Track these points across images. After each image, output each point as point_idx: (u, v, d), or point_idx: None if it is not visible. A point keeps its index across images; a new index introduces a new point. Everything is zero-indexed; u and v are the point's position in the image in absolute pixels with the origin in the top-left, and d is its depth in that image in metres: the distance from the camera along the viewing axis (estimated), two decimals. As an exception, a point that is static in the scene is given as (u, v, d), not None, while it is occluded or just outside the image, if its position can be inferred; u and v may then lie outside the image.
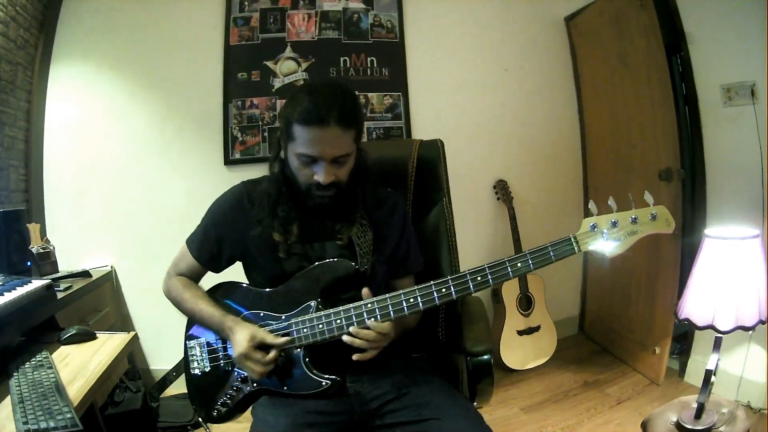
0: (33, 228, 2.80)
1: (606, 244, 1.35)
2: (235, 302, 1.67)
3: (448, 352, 1.92)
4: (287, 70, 3.35)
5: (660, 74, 2.94)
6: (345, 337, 1.45)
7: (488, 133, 3.66)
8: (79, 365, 1.57)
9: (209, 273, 1.78)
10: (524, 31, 3.73)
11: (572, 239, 1.37)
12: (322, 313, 1.51)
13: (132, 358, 2.99)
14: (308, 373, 1.53)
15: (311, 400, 1.54)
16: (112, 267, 3.20)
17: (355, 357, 1.46)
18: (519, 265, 1.39)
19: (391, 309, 1.46)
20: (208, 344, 1.67)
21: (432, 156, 2.06)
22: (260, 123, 3.33)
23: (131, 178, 3.27)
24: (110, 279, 3.13)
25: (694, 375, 3.02)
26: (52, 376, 1.42)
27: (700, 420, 2.07)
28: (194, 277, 1.77)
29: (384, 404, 1.56)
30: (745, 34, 2.65)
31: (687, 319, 2.06)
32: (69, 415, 1.18)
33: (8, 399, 1.30)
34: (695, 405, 2.11)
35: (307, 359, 1.54)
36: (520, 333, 3.39)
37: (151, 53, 3.26)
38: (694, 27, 2.95)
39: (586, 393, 3.07)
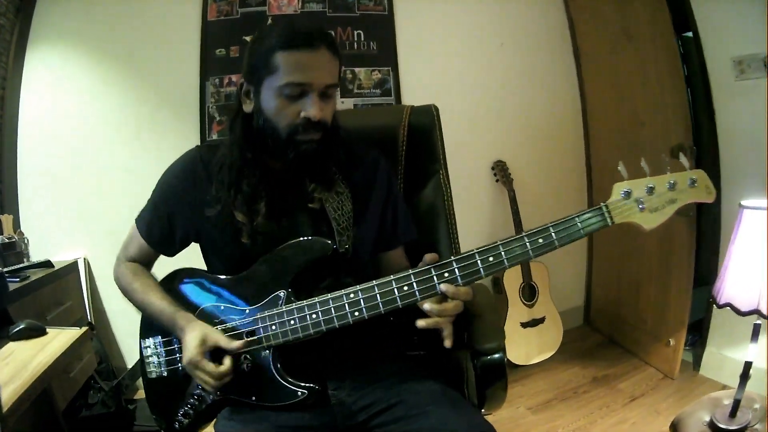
0: (5, 219, 2.63)
1: (642, 216, 1.08)
2: (193, 294, 1.35)
3: (449, 350, 1.57)
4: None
5: (668, 47, 2.70)
6: (421, 322, 1.12)
7: (484, 111, 3.37)
8: (20, 364, 1.34)
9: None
10: (519, 4, 3.44)
11: (603, 209, 1.08)
12: (294, 305, 1.20)
13: (105, 356, 2.67)
14: (280, 380, 1.21)
15: (285, 413, 1.22)
16: (85, 259, 2.92)
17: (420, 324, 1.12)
18: (540, 241, 1.08)
19: (380, 300, 1.14)
20: (165, 344, 1.35)
21: (425, 123, 1.71)
22: None
23: (106, 165, 3.00)
24: (75, 270, 2.81)
25: (709, 368, 2.75)
26: None
27: (735, 419, 1.81)
28: (146, 262, 1.45)
29: (373, 416, 1.25)
30: (758, 3, 2.38)
31: (729, 304, 1.80)
32: None
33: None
34: (727, 402, 1.87)
35: (278, 364, 1.22)
36: (524, 325, 3.07)
37: (126, 33, 2.99)
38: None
39: (596, 390, 2.77)
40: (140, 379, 2.62)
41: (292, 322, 1.19)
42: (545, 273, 3.18)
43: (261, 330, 1.22)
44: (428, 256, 1.13)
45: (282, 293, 1.23)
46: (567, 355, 3.18)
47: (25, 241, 2.66)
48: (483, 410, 1.35)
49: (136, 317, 2.50)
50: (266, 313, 1.22)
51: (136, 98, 3.02)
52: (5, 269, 2.24)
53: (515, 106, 3.44)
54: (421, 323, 1.11)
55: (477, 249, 1.10)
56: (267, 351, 1.22)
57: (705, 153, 2.84)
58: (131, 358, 3.03)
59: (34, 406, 1.51)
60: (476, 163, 3.33)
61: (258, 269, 1.27)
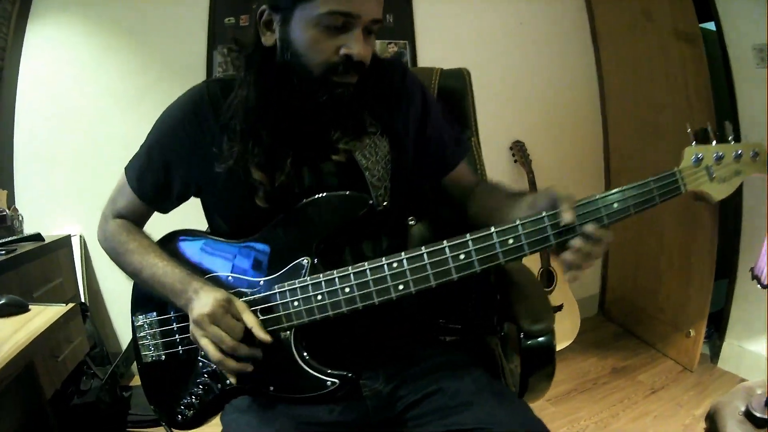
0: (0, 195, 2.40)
1: (712, 186, 0.96)
2: (193, 261, 1.09)
3: (480, 333, 1.33)
4: None
5: (690, 28, 2.54)
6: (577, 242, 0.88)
7: (503, 90, 3.19)
8: None
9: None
10: None
11: (677, 174, 0.92)
12: (321, 276, 0.95)
13: (100, 340, 2.44)
14: (305, 367, 0.97)
15: (308, 406, 0.99)
16: (81, 237, 2.70)
17: (568, 276, 0.91)
18: (615, 205, 0.89)
19: (430, 270, 0.90)
20: (160, 322, 1.10)
21: (457, 87, 1.52)
22: None
23: (105, 137, 2.78)
24: (67, 245, 2.57)
25: (728, 360, 2.59)
26: None
27: None
28: (137, 219, 1.18)
29: (409, 407, 1.02)
30: None
31: None
32: None
33: None
34: (761, 391, 1.77)
35: (303, 350, 0.98)
36: (542, 313, 2.85)
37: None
38: None
39: (615, 381, 2.60)
40: (128, 369, 2.44)
41: (319, 297, 0.95)
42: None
43: (280, 307, 0.97)
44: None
45: (305, 261, 0.99)
46: (584, 344, 3.00)
47: (20, 218, 2.46)
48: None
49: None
50: (286, 286, 0.97)
51: (138, 67, 2.82)
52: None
53: (533, 87, 3.28)
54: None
55: (546, 212, 0.89)
56: (288, 332, 0.98)
57: (725, 139, 2.66)
58: (127, 343, 2.78)
59: (17, 392, 1.34)
60: (495, 142, 3.13)
61: (275, 231, 1.03)
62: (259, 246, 1.03)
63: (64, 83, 2.78)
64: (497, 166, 3.14)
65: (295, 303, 0.96)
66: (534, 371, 1.11)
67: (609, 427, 2.24)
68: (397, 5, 2.96)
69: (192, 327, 0.95)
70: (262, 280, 1.00)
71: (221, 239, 1.08)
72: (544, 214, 0.88)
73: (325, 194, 1.00)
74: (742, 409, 1.76)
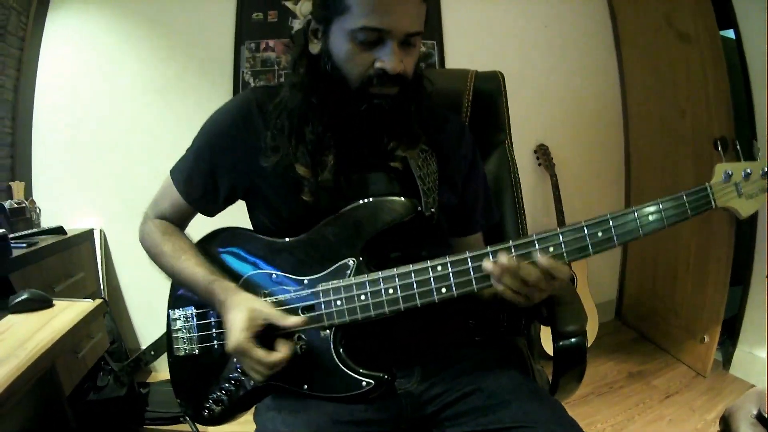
0: (17, 186, 2.42)
1: (740, 202, 0.95)
2: (237, 258, 1.08)
3: (508, 334, 1.31)
4: (308, 10, 2.77)
5: (711, 35, 2.52)
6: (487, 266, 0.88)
7: (529, 92, 3.16)
8: (18, 341, 1.09)
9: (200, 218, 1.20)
10: None
11: (708, 189, 0.91)
12: (366, 277, 0.95)
13: (118, 336, 2.41)
14: (341, 367, 0.95)
15: (342, 405, 0.97)
16: (101, 231, 2.68)
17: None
18: (651, 218, 0.89)
19: (473, 275, 0.90)
20: (199, 316, 1.08)
21: (491, 89, 1.50)
22: (276, 67, 2.81)
23: (128, 129, 2.77)
24: (89, 239, 2.55)
25: (740, 367, 2.56)
26: None
27: None
28: (180, 221, 1.18)
29: (444, 407, 1.00)
30: None
31: None
32: None
33: None
34: None
35: (340, 348, 0.96)
36: (562, 317, 2.83)
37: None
38: None
39: (632, 386, 2.58)
40: (156, 360, 2.41)
41: (363, 297, 0.94)
42: (584, 263, 2.97)
43: (322, 305, 0.97)
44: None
45: (351, 261, 0.98)
46: (601, 349, 2.99)
47: (37, 210, 2.45)
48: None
49: (154, 294, 2.22)
50: (330, 285, 0.97)
51: (163, 58, 2.80)
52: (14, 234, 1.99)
53: (557, 90, 3.27)
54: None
55: (585, 222, 0.89)
56: (327, 331, 0.96)
57: (744, 146, 2.63)
58: (146, 339, 2.77)
59: (35, 389, 1.31)
60: (520, 145, 3.07)
61: (322, 231, 1.02)
62: (306, 245, 1.03)
63: (85, 73, 2.76)
64: (522, 170, 3.10)
65: (338, 302, 0.95)
66: (566, 371, 1.10)
67: (624, 430, 2.23)
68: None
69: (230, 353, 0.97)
70: (306, 278, 1.00)
71: (267, 238, 1.07)
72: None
73: (379, 198, 1.01)
74: (754, 412, 1.77)
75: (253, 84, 2.79)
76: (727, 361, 2.63)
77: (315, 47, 1.02)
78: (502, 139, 1.51)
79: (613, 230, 0.89)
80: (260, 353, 0.91)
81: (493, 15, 3.12)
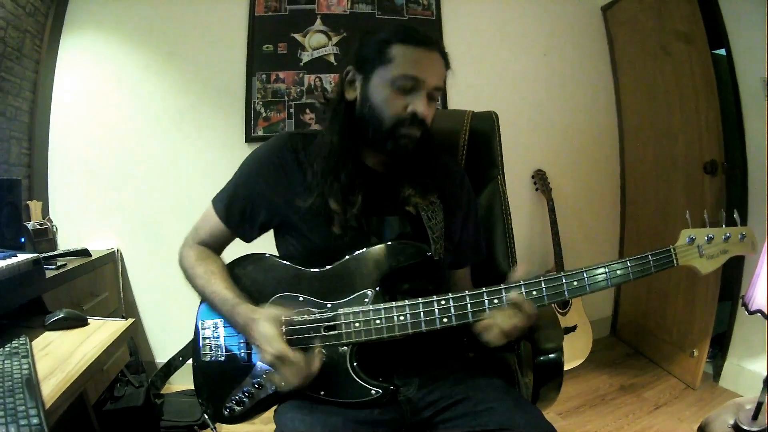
0: (34, 206, 2.54)
1: (701, 261, 1.18)
2: (266, 281, 1.28)
3: (499, 351, 1.47)
4: (317, 43, 3.01)
5: (703, 64, 2.68)
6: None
7: (527, 120, 3.32)
8: (61, 356, 1.23)
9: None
10: (562, 17, 3.41)
11: (672, 251, 1.15)
12: (382, 305, 1.16)
13: (135, 349, 2.58)
14: (355, 378, 1.16)
15: (353, 408, 1.15)
16: (118, 250, 2.84)
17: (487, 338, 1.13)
18: (619, 272, 1.14)
19: (470, 309, 1.14)
20: (226, 326, 1.28)
21: (486, 128, 1.70)
22: (286, 98, 2.98)
23: (143, 154, 2.92)
24: (113, 260, 2.74)
25: (729, 379, 2.72)
26: (25, 367, 1.11)
27: (757, 421, 1.88)
28: (217, 246, 1.38)
29: (439, 412, 1.20)
30: None
31: (759, 311, 1.85)
32: (35, 421, 0.90)
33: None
34: (749, 407, 1.92)
35: (354, 362, 1.16)
36: (556, 333, 3.01)
37: (169, 22, 2.93)
38: (735, 18, 2.67)
39: (623, 397, 2.73)
40: (184, 365, 2.57)
41: (378, 321, 1.16)
42: None
43: (343, 326, 1.17)
44: (519, 270, 1.16)
45: (370, 292, 1.19)
46: (595, 363, 3.14)
47: (54, 229, 2.58)
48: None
49: (167, 311, 2.42)
50: (350, 310, 1.18)
51: (178, 88, 2.96)
52: (41, 255, 2.14)
53: (556, 116, 3.42)
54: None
55: (564, 273, 1.14)
56: (345, 347, 1.17)
57: (735, 168, 2.79)
58: (159, 353, 2.95)
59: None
60: (518, 171, 3.29)
61: (348, 265, 1.23)
62: (331, 275, 1.23)
63: (100, 98, 2.91)
64: (520, 195, 3.29)
65: (356, 324, 1.16)
66: (545, 382, 1.31)
67: (612, 438, 2.38)
68: None
69: (267, 365, 1.16)
70: (329, 303, 1.19)
71: (296, 266, 1.26)
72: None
73: (399, 242, 1.23)
74: (731, 422, 1.91)
75: (263, 114, 2.95)
76: (717, 374, 2.78)
77: (351, 94, 1.26)
78: (495, 174, 1.69)
79: (586, 280, 1.13)
80: (303, 360, 1.10)
81: (493, 44, 3.28)
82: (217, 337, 1.28)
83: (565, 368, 2.87)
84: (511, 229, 1.66)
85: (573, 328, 3.07)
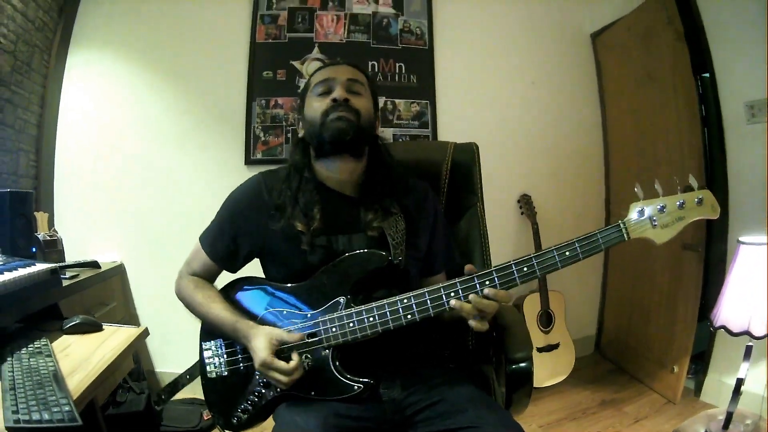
0: (41, 217, 2.61)
1: (654, 231, 1.22)
2: (254, 300, 1.48)
3: (478, 363, 1.71)
4: (313, 71, 3.13)
5: (687, 91, 2.84)
6: (454, 302, 1.26)
7: (514, 146, 3.49)
8: (81, 357, 1.37)
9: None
10: (551, 45, 3.58)
11: (621, 225, 1.23)
12: (353, 309, 1.34)
13: (137, 358, 2.73)
14: (338, 376, 1.34)
15: (341, 404, 1.34)
16: (121, 263, 3.00)
17: (474, 325, 1.27)
18: (567, 253, 1.25)
19: (430, 305, 1.29)
20: (226, 345, 1.47)
21: (467, 159, 1.89)
22: (284, 123, 3.16)
23: (146, 171, 3.08)
24: (120, 273, 2.92)
25: (710, 394, 2.88)
26: (50, 364, 1.23)
27: (727, 430, 2.07)
28: (209, 277, 1.58)
29: (418, 411, 1.36)
30: None
31: (723, 327, 2.06)
32: (67, 408, 1.00)
33: (-2, 384, 1.12)
34: (721, 417, 2.11)
35: (336, 362, 1.35)
36: (540, 350, 3.19)
37: (173, 45, 3.11)
38: (720, 44, 2.82)
39: (603, 411, 2.88)
40: (190, 383, 2.68)
41: (351, 324, 1.33)
42: (562, 302, 3.31)
43: (322, 332, 1.35)
44: (468, 267, 1.29)
45: (342, 299, 1.37)
46: (578, 380, 3.28)
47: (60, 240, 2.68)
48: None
49: (167, 322, 2.59)
50: (327, 317, 1.35)
51: (181, 109, 3.11)
52: (56, 265, 2.28)
53: (543, 142, 3.55)
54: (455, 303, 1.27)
55: (513, 260, 1.27)
56: (327, 350, 1.35)
57: (717, 193, 2.88)
58: (159, 363, 3.11)
59: None
60: (504, 195, 3.44)
61: (319, 278, 1.41)
62: (308, 288, 1.42)
63: (105, 115, 3.06)
64: (506, 219, 3.44)
65: (333, 329, 1.34)
66: (516, 389, 1.48)
67: (592, 449, 2.52)
68: (420, 67, 3.31)
69: (258, 371, 1.35)
70: (309, 312, 1.39)
71: (278, 284, 1.46)
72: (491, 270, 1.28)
73: (358, 252, 1.41)
74: (702, 431, 2.10)
75: (263, 138, 3.11)
76: (698, 389, 2.93)
77: (301, 130, 1.54)
78: (474, 201, 1.87)
79: (535, 265, 1.26)
80: (281, 364, 1.29)
81: (484, 73, 3.45)
82: (220, 355, 1.47)
83: (548, 384, 3.13)
84: (489, 251, 1.83)
85: (556, 346, 3.23)
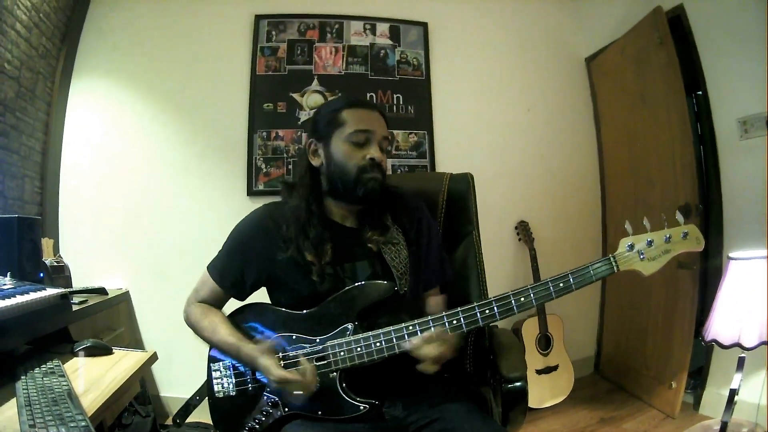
0: (46, 243, 2.67)
1: (642, 264, 1.34)
2: (264, 325, 1.55)
3: (476, 385, 1.78)
4: (314, 103, 3.28)
5: (679, 111, 2.92)
6: (406, 345, 1.37)
7: (511, 173, 3.58)
8: (93, 378, 1.41)
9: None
10: (546, 72, 3.69)
11: (611, 259, 1.34)
12: (360, 335, 1.43)
13: (143, 382, 2.80)
14: (345, 397, 1.43)
15: (347, 424, 1.42)
16: (126, 290, 3.07)
17: (420, 368, 1.37)
18: (561, 284, 1.35)
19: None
20: (234, 367, 1.55)
21: (462, 189, 1.97)
22: (285, 155, 3.25)
23: (149, 200, 3.16)
24: (126, 299, 3.00)
25: (709, 407, 2.93)
26: (64, 383, 1.26)
27: None
28: (217, 304, 1.66)
29: (418, 429, 1.44)
30: (762, 65, 2.55)
31: (714, 340, 2.12)
32: (83, 423, 1.02)
33: (13, 401, 1.15)
34: (716, 427, 2.17)
35: (343, 384, 1.43)
36: (539, 372, 3.27)
37: (176, 76, 3.20)
38: (712, 62, 2.90)
39: (603, 429, 2.94)
40: (200, 403, 2.77)
41: (359, 349, 1.41)
42: (560, 325, 3.38)
43: (330, 356, 1.43)
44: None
45: (350, 325, 1.46)
46: (578, 399, 3.34)
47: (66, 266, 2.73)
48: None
49: (171, 348, 2.65)
50: (335, 342, 1.44)
51: (184, 140, 3.19)
52: (66, 291, 2.33)
53: (539, 169, 3.64)
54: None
55: (512, 291, 1.37)
56: (335, 373, 1.43)
57: (711, 209, 3.01)
58: (164, 387, 3.14)
59: None
60: (501, 222, 3.52)
61: (328, 305, 1.50)
62: (317, 315, 1.50)
63: (109, 143, 3.14)
64: (504, 245, 3.52)
65: (342, 353, 1.43)
66: (513, 407, 1.53)
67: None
68: (417, 98, 3.41)
69: (276, 389, 1.45)
70: (318, 338, 1.47)
71: (287, 311, 1.55)
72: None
73: (365, 282, 1.51)
74: None
75: (264, 170, 3.19)
76: (697, 403, 2.99)
77: (317, 161, 1.57)
78: (470, 230, 1.94)
79: (531, 295, 1.36)
80: (298, 375, 1.37)
81: (480, 102, 3.54)
82: (228, 376, 1.54)
83: (547, 405, 3.23)
84: (485, 278, 1.88)
85: (555, 368, 3.31)
